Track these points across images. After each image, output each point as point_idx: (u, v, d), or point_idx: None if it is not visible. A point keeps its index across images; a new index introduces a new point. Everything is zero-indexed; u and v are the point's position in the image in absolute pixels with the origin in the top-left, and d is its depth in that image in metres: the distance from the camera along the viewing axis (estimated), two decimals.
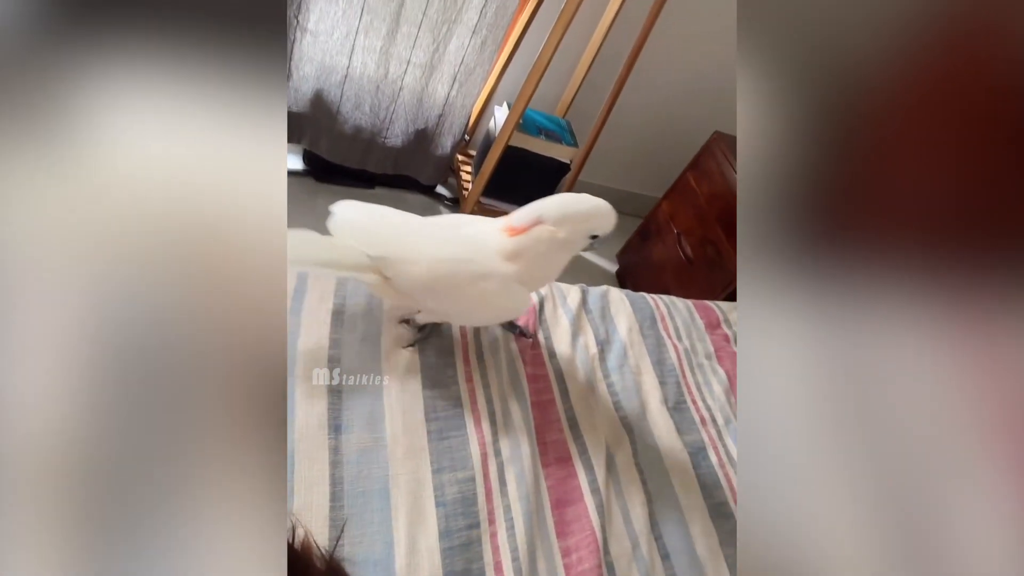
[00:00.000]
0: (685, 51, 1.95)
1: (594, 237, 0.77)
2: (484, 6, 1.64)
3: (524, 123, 1.82)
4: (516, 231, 0.75)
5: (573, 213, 0.74)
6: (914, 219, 0.34)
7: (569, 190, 1.96)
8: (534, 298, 1.03)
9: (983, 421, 0.31)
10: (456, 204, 2.05)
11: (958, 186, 0.33)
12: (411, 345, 0.85)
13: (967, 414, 0.32)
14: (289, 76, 1.64)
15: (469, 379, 0.85)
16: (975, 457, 0.31)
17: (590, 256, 2.25)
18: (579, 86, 1.92)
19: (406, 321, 0.88)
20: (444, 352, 0.87)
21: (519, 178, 1.89)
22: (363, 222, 0.78)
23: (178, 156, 0.33)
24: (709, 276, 1.79)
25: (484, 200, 1.93)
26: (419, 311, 0.85)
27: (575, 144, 1.89)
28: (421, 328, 0.87)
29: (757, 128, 0.37)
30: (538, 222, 0.74)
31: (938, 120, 0.34)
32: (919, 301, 0.33)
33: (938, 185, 0.33)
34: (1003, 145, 0.31)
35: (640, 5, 1.72)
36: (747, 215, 0.38)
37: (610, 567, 0.74)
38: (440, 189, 2.10)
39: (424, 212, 2.03)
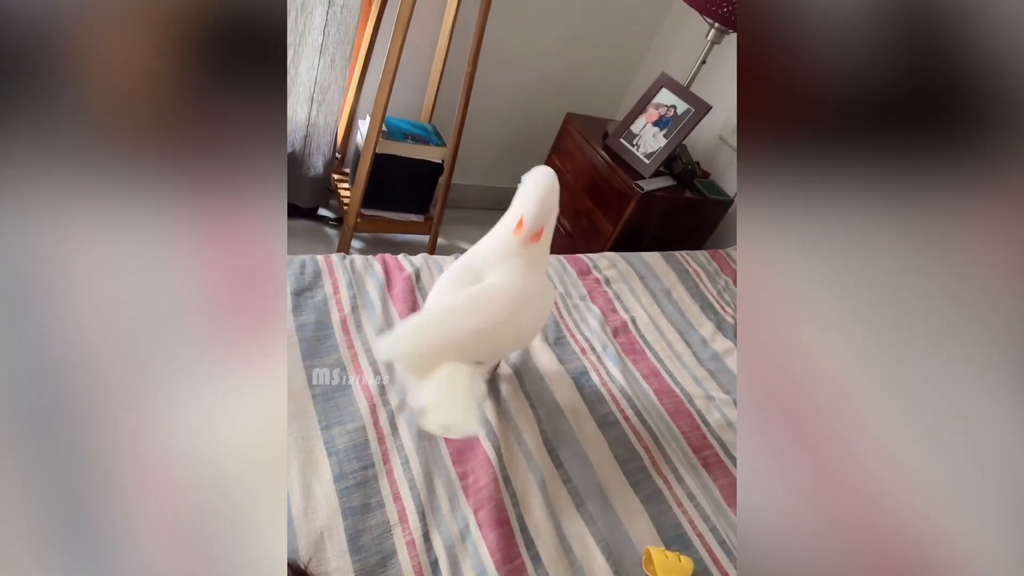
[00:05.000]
0: (524, 43, 2.10)
1: None
2: (326, 26, 1.70)
3: (390, 131, 1.88)
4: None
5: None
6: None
7: (445, 190, 2.03)
8: (409, 268, 1.08)
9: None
10: (340, 223, 2.06)
11: None
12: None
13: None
14: None
15: (350, 346, 0.89)
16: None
17: None
18: (436, 91, 2.01)
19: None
20: (321, 326, 0.90)
21: (396, 184, 1.95)
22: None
23: None
24: (588, 244, 1.93)
25: (366, 211, 1.96)
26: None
27: (443, 143, 1.98)
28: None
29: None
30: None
31: None
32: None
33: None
34: None
35: (472, 6, 1.83)
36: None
37: (507, 480, 0.79)
38: (323, 212, 2.11)
39: (309, 236, 2.02)
